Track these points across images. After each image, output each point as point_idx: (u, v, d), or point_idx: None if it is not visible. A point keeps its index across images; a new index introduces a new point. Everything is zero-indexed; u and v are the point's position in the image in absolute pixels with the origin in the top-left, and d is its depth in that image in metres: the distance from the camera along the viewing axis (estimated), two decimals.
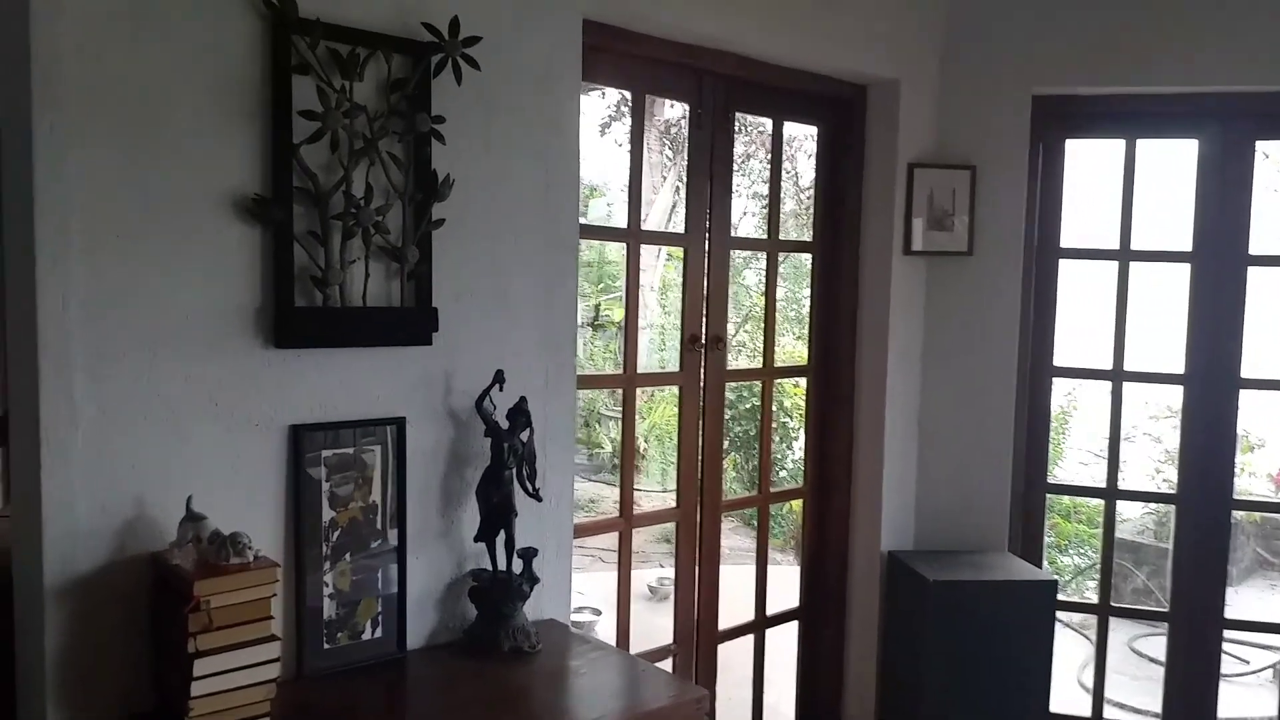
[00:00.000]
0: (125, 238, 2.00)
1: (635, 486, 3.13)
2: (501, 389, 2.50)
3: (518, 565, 2.51)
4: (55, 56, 1.90)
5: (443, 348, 2.46)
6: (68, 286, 1.94)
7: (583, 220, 2.94)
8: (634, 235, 3.14)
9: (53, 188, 1.91)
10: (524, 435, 2.50)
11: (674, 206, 10.50)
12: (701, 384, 3.39)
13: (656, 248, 10.43)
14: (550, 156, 2.66)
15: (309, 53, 2.17)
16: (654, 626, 3.68)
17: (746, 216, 11.47)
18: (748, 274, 10.87)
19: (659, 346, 11.34)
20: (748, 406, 9.36)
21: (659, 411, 10.62)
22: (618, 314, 11.32)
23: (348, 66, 2.22)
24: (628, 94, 3.17)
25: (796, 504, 4.06)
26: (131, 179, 2.00)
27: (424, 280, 2.40)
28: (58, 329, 1.93)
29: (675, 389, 3.40)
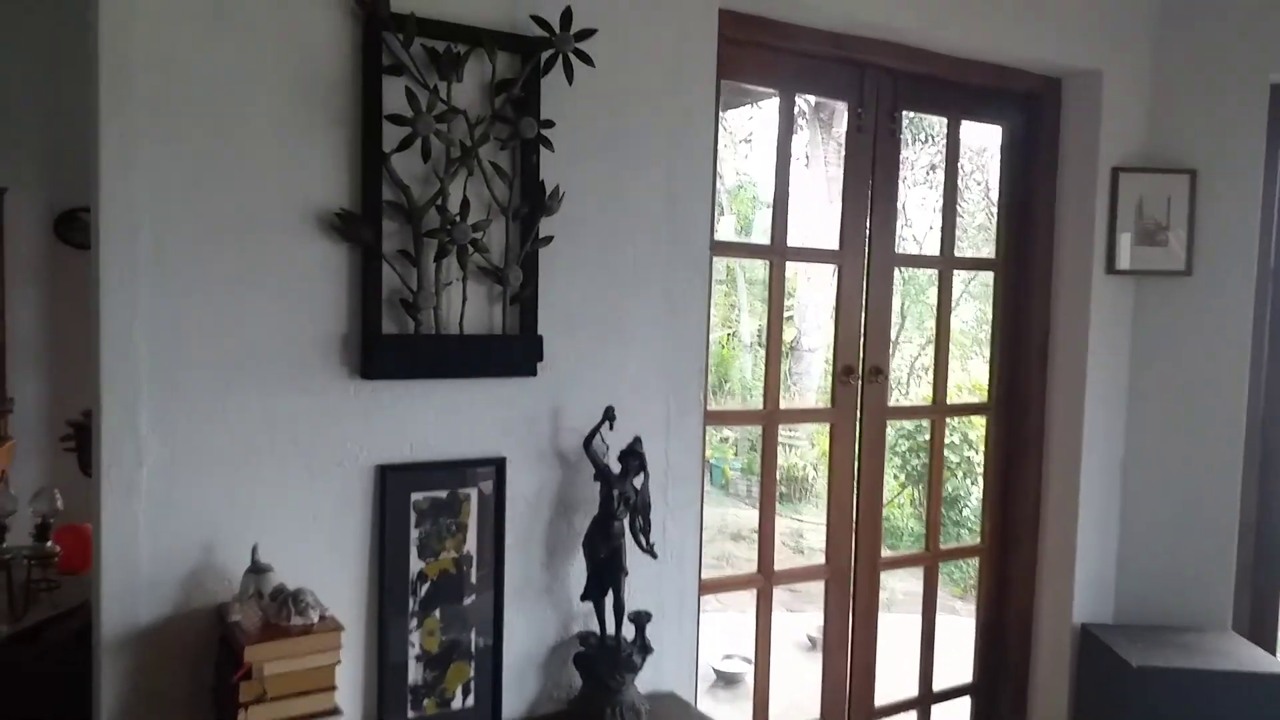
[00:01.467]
0: (197, 257, 1.86)
1: (798, 517, 2.75)
2: (612, 427, 2.23)
3: (629, 630, 2.23)
4: (123, 59, 1.78)
5: (549, 380, 2.22)
6: (134, 309, 1.81)
7: (740, 238, 2.60)
8: (777, 252, 2.81)
9: (119, 200, 1.79)
10: (637, 481, 2.22)
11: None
12: (858, 422, 3.01)
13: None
14: (678, 164, 2.38)
15: (402, 51, 1.98)
16: (809, 684, 3.30)
17: (932, 232, 10.84)
18: (934, 292, 10.23)
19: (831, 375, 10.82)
20: (926, 438, 8.75)
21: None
22: (791, 334, 10.90)
23: (445, 66, 2.02)
24: (775, 93, 2.84)
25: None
26: (204, 192, 1.86)
27: (529, 304, 2.16)
28: (122, 357, 1.81)
29: (828, 425, 3.03)
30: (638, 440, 2.23)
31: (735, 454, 11.76)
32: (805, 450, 11.20)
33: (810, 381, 11.62)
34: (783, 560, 5.66)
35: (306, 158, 1.95)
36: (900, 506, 9.79)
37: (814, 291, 11.48)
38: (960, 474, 9.16)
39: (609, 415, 2.22)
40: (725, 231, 11.97)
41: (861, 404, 3.01)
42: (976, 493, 9.18)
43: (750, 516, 9.79)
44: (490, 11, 2.11)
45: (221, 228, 1.88)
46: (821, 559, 3.03)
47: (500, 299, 2.15)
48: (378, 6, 1.94)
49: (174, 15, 1.81)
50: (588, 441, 2.20)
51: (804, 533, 9.97)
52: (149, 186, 1.81)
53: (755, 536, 2.90)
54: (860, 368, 3.01)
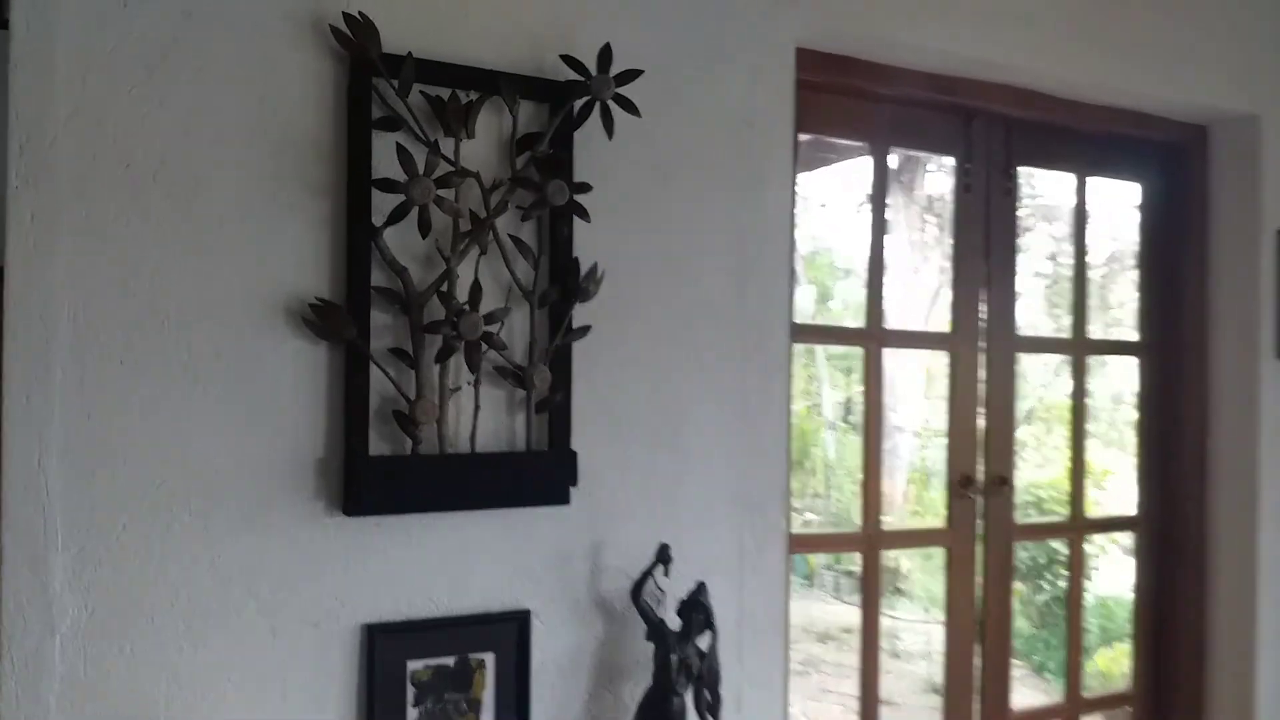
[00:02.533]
0: (131, 365, 1.47)
1: (892, 614, 2.24)
2: (668, 570, 1.76)
3: None
4: (39, 117, 1.42)
5: (586, 509, 1.77)
6: (45, 435, 1.41)
7: (820, 313, 2.12)
8: (873, 338, 2.33)
9: (30, 298, 1.41)
10: (703, 641, 1.73)
11: (938, 292, 9.43)
12: (977, 543, 2.48)
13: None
14: (748, 234, 1.94)
15: (398, 101, 1.59)
16: None
17: (1037, 305, 10.14)
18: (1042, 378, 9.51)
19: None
20: (1042, 555, 7.95)
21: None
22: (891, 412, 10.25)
23: (452, 118, 1.62)
24: (865, 147, 2.40)
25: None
26: (143, 282, 1.49)
27: (559, 413, 1.72)
28: (29, 495, 1.42)
29: (941, 550, 2.50)
30: (702, 588, 1.75)
31: None
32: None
33: (901, 462, 10.93)
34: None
35: (277, 235, 1.56)
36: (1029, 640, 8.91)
37: (902, 358, 10.85)
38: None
39: (664, 556, 1.75)
40: (803, 304, 11.47)
41: (982, 520, 2.48)
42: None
43: (841, 613, 9.07)
44: (509, 50, 1.72)
45: (164, 325, 1.49)
46: (925, 667, 2.47)
47: (523, 407, 1.71)
48: (365, 45, 1.56)
49: (108, 62, 1.46)
50: (637, 589, 1.73)
51: (900, 632, 9.19)
52: (70, 279, 1.44)
53: (846, 637, 2.35)
54: (979, 476, 2.48)
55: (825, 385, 12.42)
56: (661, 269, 1.85)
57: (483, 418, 1.67)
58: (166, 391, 1.49)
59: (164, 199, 1.50)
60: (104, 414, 1.46)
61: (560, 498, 1.72)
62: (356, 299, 1.58)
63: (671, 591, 1.77)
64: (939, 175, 9.14)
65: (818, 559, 10.68)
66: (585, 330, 1.75)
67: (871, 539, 2.34)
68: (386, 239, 1.60)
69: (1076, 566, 2.72)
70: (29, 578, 1.42)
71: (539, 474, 1.71)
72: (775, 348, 1.97)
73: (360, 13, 1.56)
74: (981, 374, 2.49)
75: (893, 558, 10.40)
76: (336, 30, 1.56)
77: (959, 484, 2.46)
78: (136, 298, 1.48)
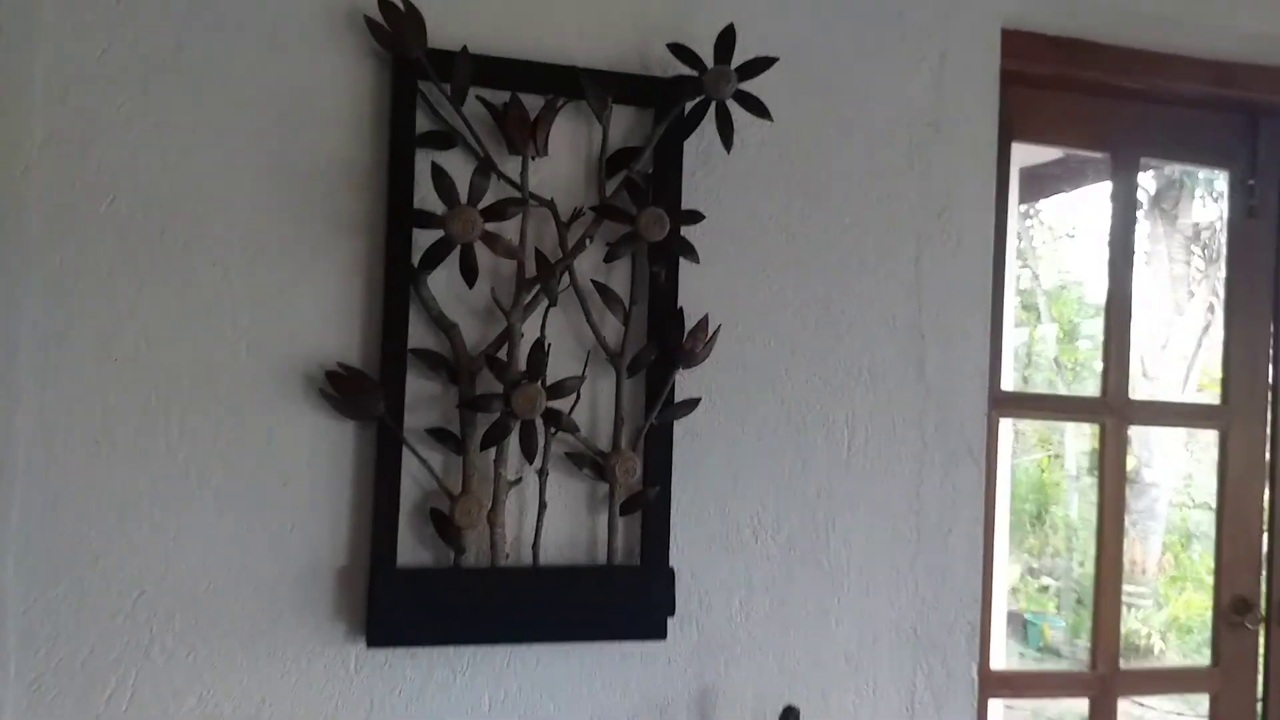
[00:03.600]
0: (108, 445, 1.20)
1: (1140, 702, 1.70)
2: None
3: None
4: (12, 146, 1.18)
5: (688, 647, 1.35)
6: (1, 528, 1.15)
7: (1054, 360, 1.60)
8: (1113, 411, 1.75)
9: None
10: None
11: (1202, 341, 8.18)
12: (1260, 689, 1.83)
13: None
14: (930, 278, 1.46)
15: (452, 111, 1.24)
16: None
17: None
18: None
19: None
20: None
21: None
22: (1131, 462, 9.10)
23: (513, 129, 1.25)
24: (1105, 161, 1.84)
25: None
26: (124, 344, 1.22)
27: (654, 515, 1.31)
28: None
29: (1205, 697, 1.86)
30: None
31: (1058, 608, 9.92)
32: (1149, 611, 9.19)
33: (1155, 524, 9.63)
34: None
35: (296, 285, 1.26)
36: None
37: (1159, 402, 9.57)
38: None
39: (790, 717, 1.28)
40: (1045, 341, 10.39)
41: (1266, 662, 1.83)
42: None
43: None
44: (598, 40, 1.34)
45: (150, 398, 1.22)
46: None
47: (604, 506, 1.31)
48: (408, 41, 1.22)
49: (95, 72, 1.20)
50: None
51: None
52: (38, 340, 1.18)
53: None
54: (1261, 600, 1.83)
55: (1068, 432, 11.18)
56: (802, 323, 1.41)
57: (550, 519, 1.29)
58: (150, 479, 1.21)
59: (155, 242, 1.21)
60: (72, 505, 1.18)
61: (654, 630, 1.30)
62: (390, 364, 1.24)
63: None
64: (1203, 194, 7.99)
65: (1054, 630, 9.55)
66: (692, 404, 1.33)
67: (1106, 682, 1.75)
68: (434, 287, 1.25)
69: None
70: None
71: (625, 597, 1.30)
72: (968, 426, 1.47)
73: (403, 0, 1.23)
74: (1268, 455, 1.85)
75: (1142, 635, 9.13)
76: (373, 23, 1.23)
77: (1231, 609, 1.82)
78: (118, 363, 1.20)
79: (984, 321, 1.49)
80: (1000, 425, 1.62)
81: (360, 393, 1.22)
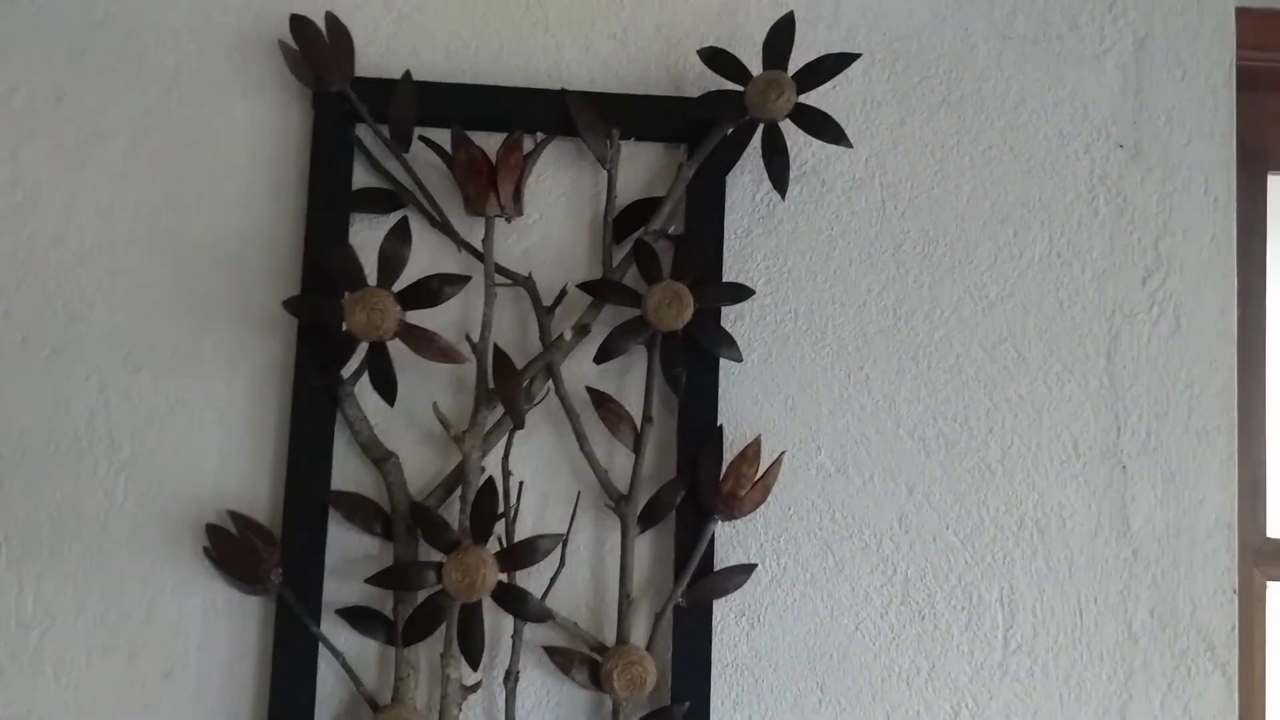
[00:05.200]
0: None
1: None
2: None
3: None
4: None
5: None
6: None
7: None
8: None
9: None
10: None
11: None
12: None
13: None
14: (1131, 375, 0.95)
15: (397, 165, 0.90)
16: None
17: None
18: None
19: None
20: None
21: None
22: None
23: (465, 179, 0.89)
24: None
25: None
26: None
27: None
28: None
29: None
30: None
31: None
32: None
33: None
34: None
35: (191, 402, 0.95)
36: None
37: None
38: None
39: None
40: None
41: None
42: None
43: None
44: (600, 51, 0.96)
45: None
46: None
47: None
48: (328, 67, 0.89)
49: None
50: None
51: None
52: None
53: None
54: None
55: None
56: (923, 450, 0.94)
57: None
58: None
59: (16, 349, 0.94)
60: None
61: None
62: (297, 513, 0.88)
63: None
64: None
65: None
66: (743, 573, 0.89)
67: None
68: (355, 403, 0.89)
69: None
70: None
71: None
72: (1205, 608, 0.93)
73: (328, 12, 0.91)
74: None
75: None
76: (287, 49, 0.92)
77: None
78: None
79: (1227, 440, 0.95)
80: (1269, 593, 1.06)
81: (248, 555, 0.87)
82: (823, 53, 0.90)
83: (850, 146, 0.89)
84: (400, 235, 0.85)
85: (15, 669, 0.90)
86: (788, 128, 0.89)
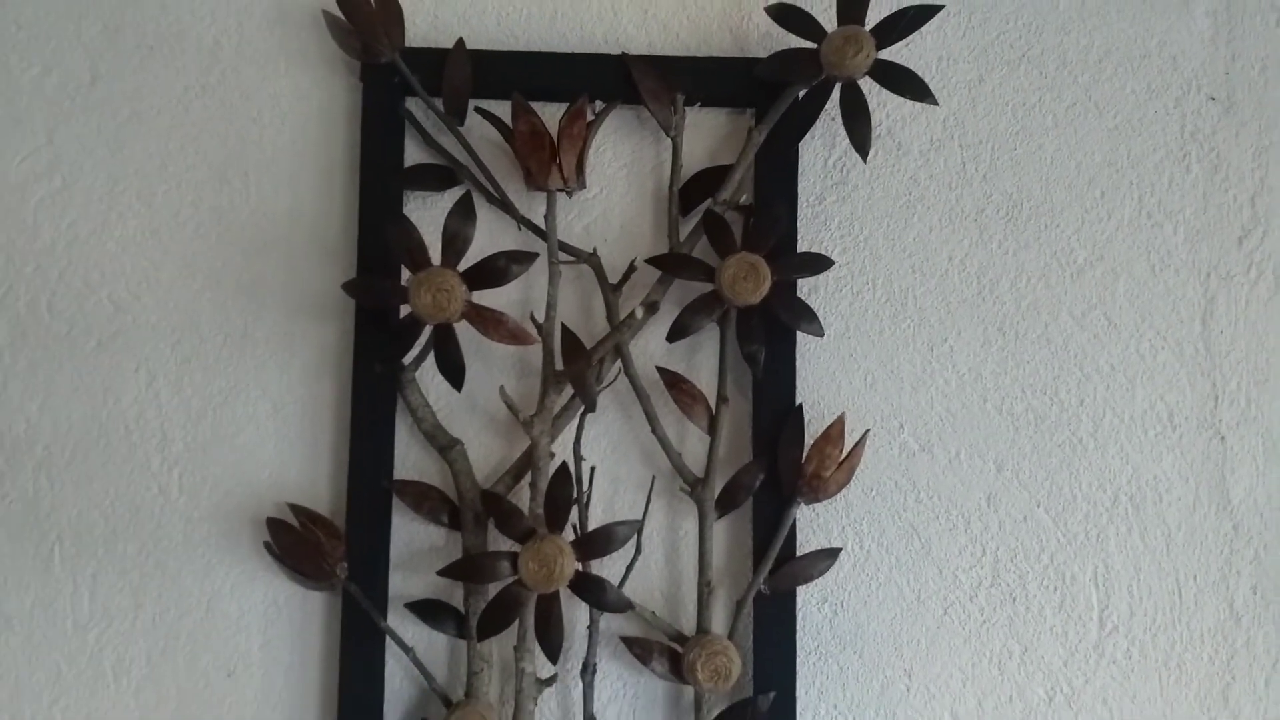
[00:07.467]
0: None
1: None
2: None
3: None
4: None
5: None
6: None
7: None
8: None
9: None
10: None
11: None
12: None
13: None
14: (1229, 341, 0.92)
15: (454, 140, 0.87)
16: None
17: None
18: None
19: None
20: None
21: None
22: None
23: (526, 152, 0.86)
24: None
25: None
26: (10, 476, 0.91)
27: None
28: None
29: None
30: None
31: None
32: None
33: None
34: None
35: (245, 393, 0.93)
36: None
37: None
38: None
39: None
40: None
41: None
42: None
43: None
44: (645, 22, 0.92)
45: (51, 563, 0.90)
46: None
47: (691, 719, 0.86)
48: (375, 43, 0.86)
49: None
50: None
51: None
52: None
53: None
54: None
55: None
56: (1011, 424, 0.90)
57: None
58: (51, 668, 0.89)
59: (61, 341, 0.91)
60: None
61: None
62: (360, 505, 0.86)
63: None
64: None
65: None
66: (828, 557, 0.86)
67: None
68: (435, 390, 0.87)
69: None
70: None
71: None
72: None
73: None
74: None
75: None
76: (333, 21, 0.89)
77: None
78: (9, 505, 0.90)
79: None
80: None
81: (312, 549, 0.85)
82: (897, 7, 0.87)
83: (935, 104, 0.85)
84: (464, 212, 0.81)
85: (74, 672, 0.89)
86: (865, 87, 0.85)
